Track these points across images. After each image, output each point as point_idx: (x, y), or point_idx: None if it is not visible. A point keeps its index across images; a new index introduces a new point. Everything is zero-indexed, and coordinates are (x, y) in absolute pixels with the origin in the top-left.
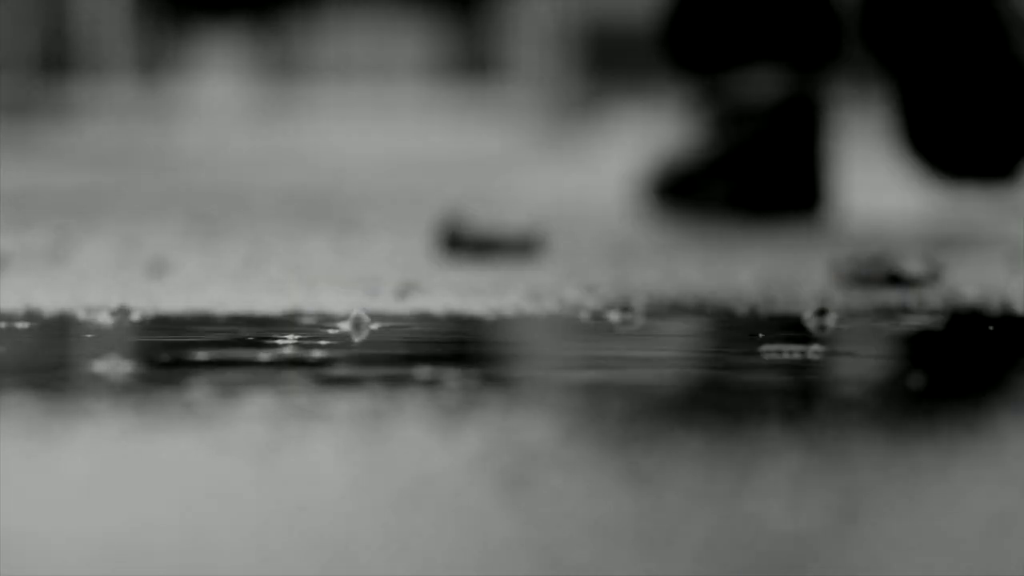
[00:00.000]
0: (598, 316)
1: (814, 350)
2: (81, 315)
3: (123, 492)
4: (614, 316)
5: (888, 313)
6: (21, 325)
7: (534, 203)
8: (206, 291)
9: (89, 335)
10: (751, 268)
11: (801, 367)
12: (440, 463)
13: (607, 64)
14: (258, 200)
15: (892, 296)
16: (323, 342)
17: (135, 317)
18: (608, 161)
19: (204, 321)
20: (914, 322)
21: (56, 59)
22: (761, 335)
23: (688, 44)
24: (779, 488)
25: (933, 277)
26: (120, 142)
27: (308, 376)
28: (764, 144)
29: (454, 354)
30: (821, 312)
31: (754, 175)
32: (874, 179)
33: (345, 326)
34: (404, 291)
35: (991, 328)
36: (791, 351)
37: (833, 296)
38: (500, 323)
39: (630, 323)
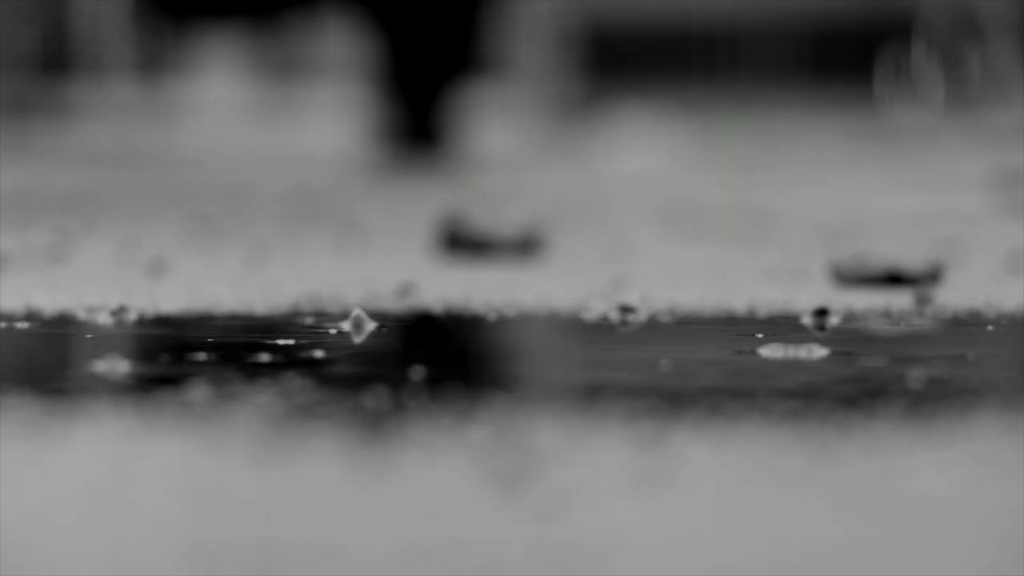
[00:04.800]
0: (599, 316)
1: (814, 350)
2: (81, 315)
3: (122, 491)
4: (615, 316)
5: (888, 313)
6: (21, 325)
7: (534, 202)
8: (206, 291)
9: (89, 335)
10: (749, 268)
11: (801, 367)
12: (440, 463)
13: (607, 64)
14: (258, 200)
15: (892, 296)
16: (323, 342)
17: (135, 317)
18: (608, 161)
19: (204, 321)
20: (914, 322)
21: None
22: (761, 335)
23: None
24: (779, 487)
25: (933, 277)
26: (120, 142)
27: (308, 376)
28: None
29: (454, 354)
30: (821, 312)
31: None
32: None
33: (345, 326)
34: (404, 291)
35: (990, 328)
36: (792, 350)
37: (833, 296)
38: (500, 323)
39: (631, 323)
